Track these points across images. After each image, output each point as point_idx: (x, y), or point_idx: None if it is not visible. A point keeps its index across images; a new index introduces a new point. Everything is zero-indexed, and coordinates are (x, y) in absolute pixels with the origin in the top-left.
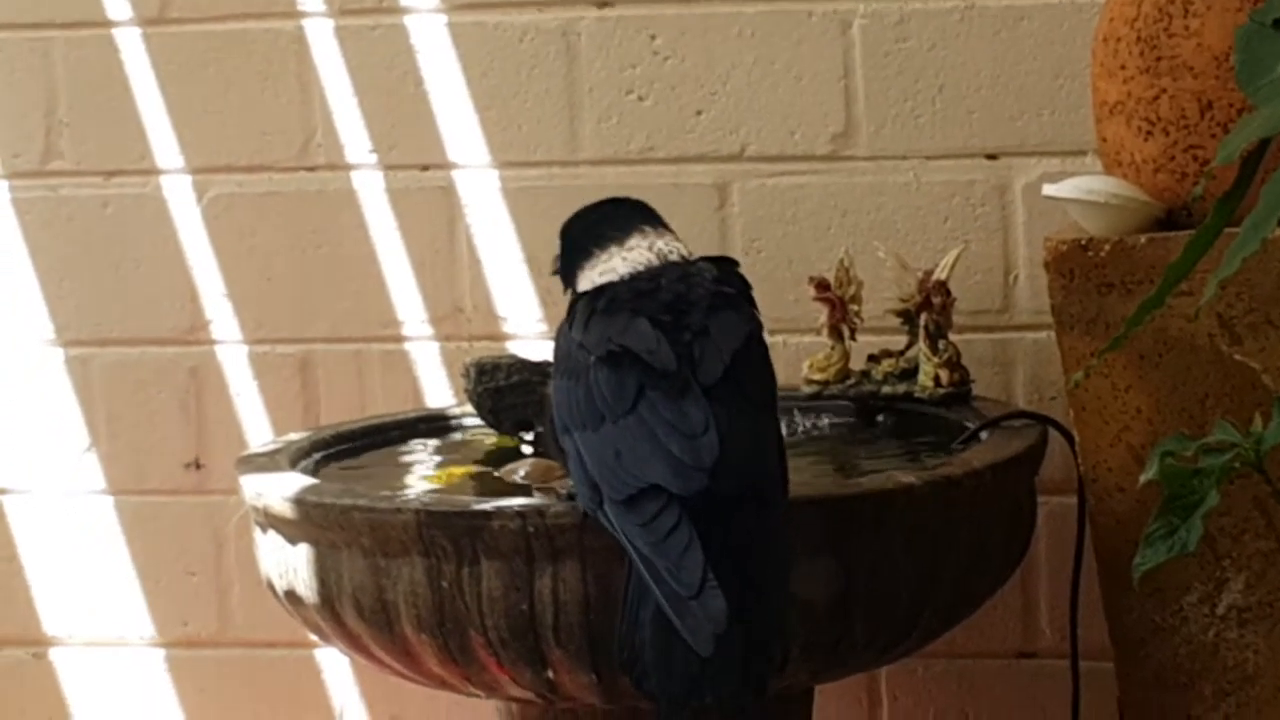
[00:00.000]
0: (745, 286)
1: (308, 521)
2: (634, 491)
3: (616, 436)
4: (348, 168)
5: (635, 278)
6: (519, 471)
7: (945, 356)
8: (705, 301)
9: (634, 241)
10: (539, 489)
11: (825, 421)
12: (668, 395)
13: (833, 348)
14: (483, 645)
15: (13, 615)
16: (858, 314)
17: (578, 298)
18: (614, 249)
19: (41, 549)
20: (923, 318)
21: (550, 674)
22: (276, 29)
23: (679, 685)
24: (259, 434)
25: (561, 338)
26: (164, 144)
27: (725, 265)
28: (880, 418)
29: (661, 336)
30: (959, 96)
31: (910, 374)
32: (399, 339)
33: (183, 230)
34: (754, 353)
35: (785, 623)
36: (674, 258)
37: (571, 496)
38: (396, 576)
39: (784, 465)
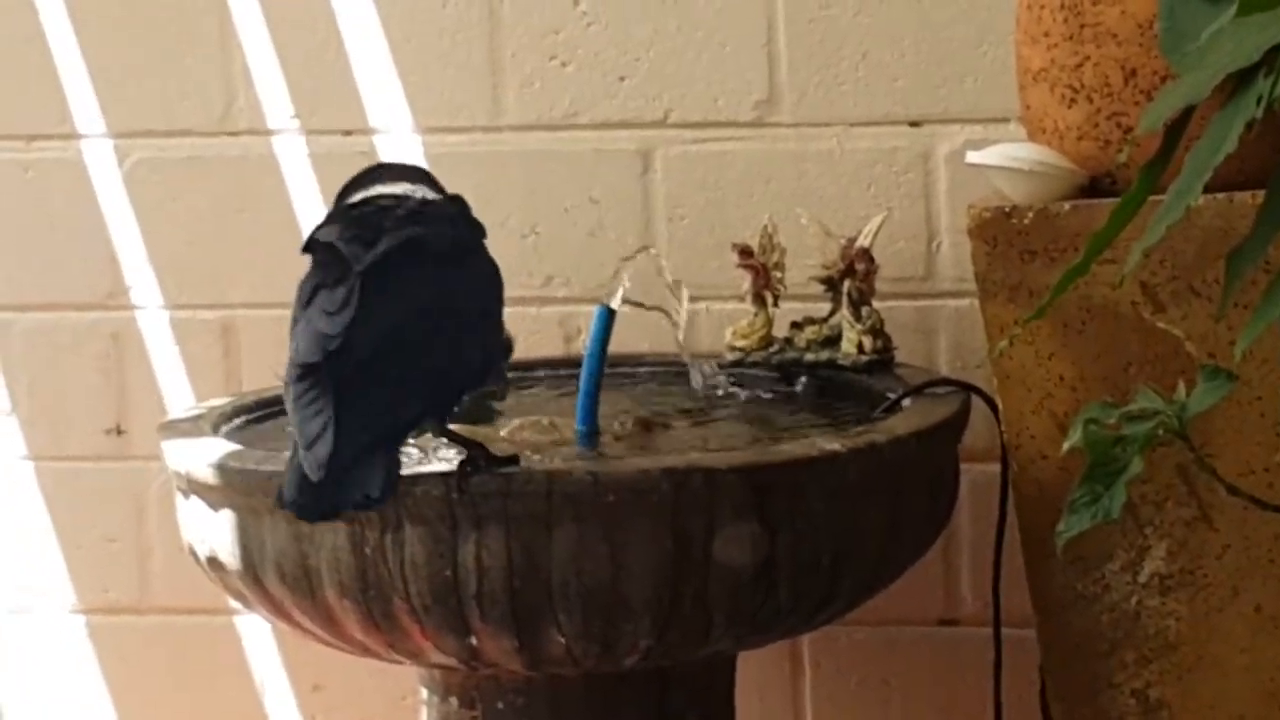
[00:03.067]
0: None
1: (230, 488)
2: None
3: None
4: (269, 133)
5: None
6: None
7: (868, 324)
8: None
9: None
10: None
11: (747, 388)
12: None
13: (756, 314)
14: (406, 611)
15: None
16: (781, 281)
17: None
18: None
19: None
20: (846, 285)
21: (473, 640)
22: None
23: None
24: (180, 400)
25: None
26: (85, 108)
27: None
28: (801, 383)
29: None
30: (882, 63)
31: (833, 341)
32: None
33: (103, 195)
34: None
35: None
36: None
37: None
38: (319, 542)
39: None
